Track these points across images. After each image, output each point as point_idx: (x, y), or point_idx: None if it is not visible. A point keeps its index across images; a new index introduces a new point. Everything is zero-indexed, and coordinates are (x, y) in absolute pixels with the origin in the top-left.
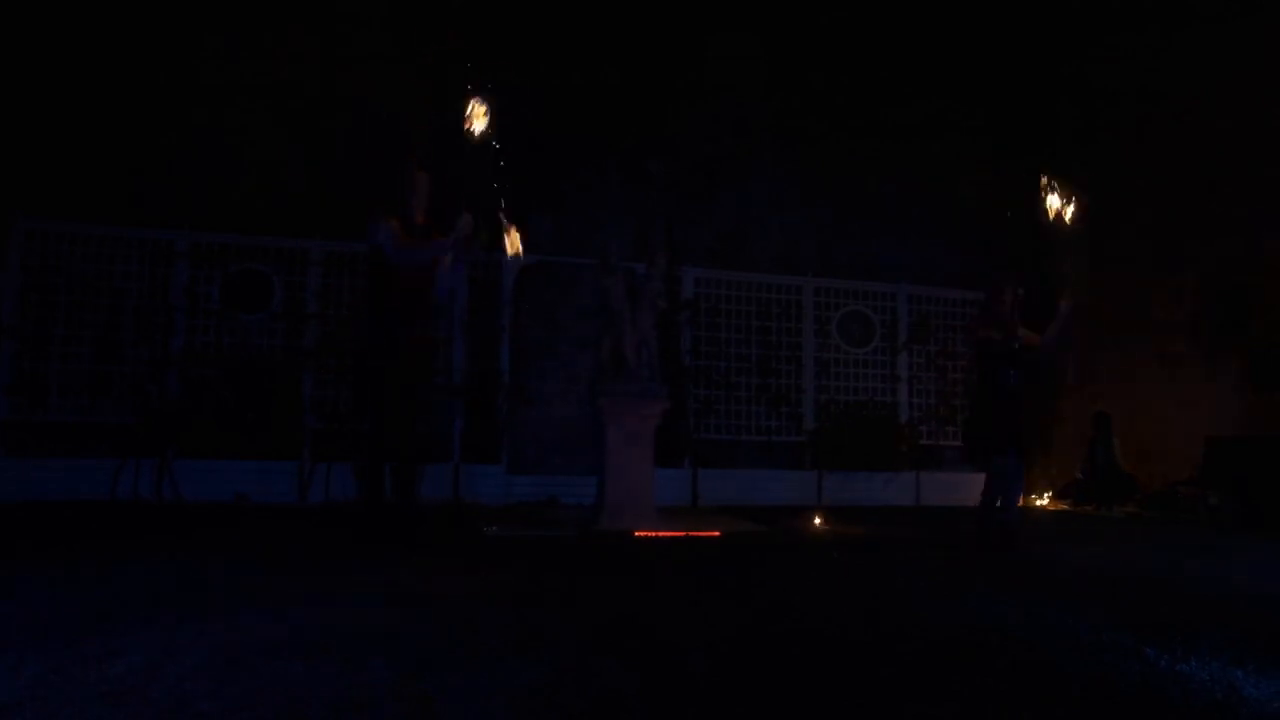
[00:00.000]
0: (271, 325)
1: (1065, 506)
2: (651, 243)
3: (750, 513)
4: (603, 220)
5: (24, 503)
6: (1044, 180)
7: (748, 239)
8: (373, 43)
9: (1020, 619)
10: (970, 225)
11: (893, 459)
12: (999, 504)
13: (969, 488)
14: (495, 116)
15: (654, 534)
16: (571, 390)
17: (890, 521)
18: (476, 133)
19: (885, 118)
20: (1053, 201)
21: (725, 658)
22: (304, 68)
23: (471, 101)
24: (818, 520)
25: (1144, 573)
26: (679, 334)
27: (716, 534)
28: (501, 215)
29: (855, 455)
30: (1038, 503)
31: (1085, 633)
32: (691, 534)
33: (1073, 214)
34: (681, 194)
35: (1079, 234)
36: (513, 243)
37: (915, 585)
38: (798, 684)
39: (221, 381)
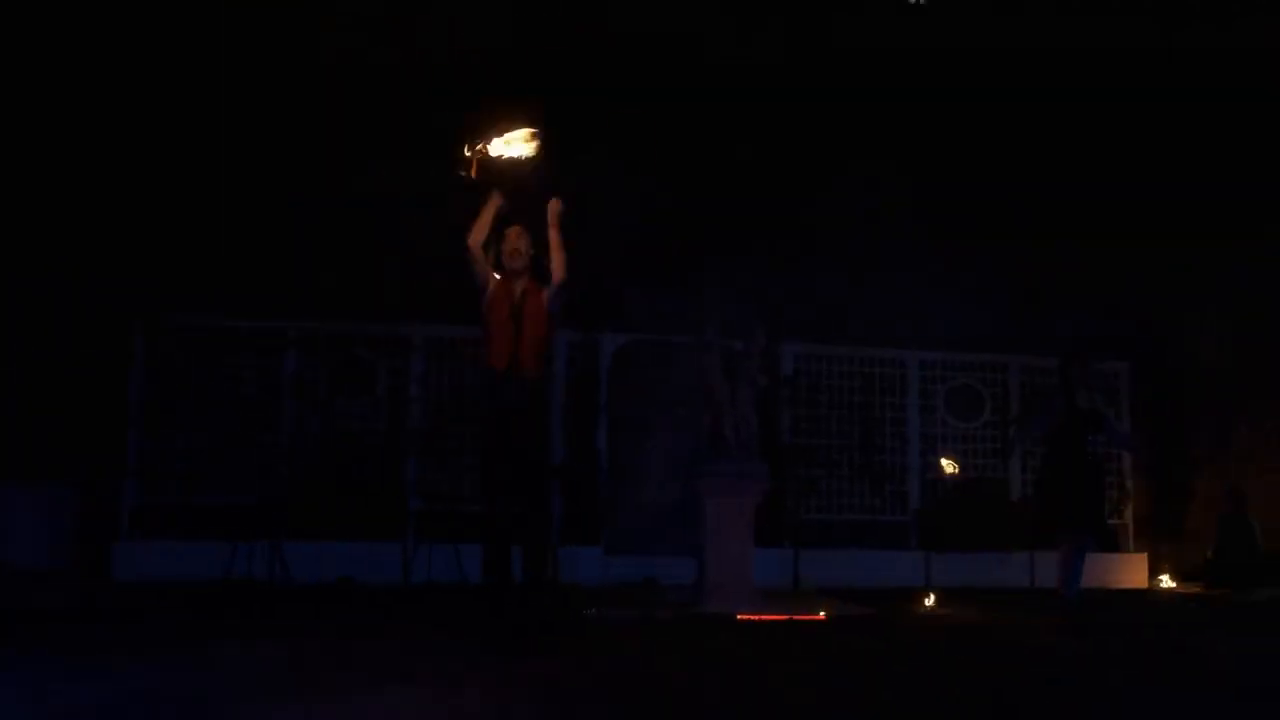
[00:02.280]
0: (375, 410)
1: (1197, 590)
2: (750, 320)
3: (854, 595)
4: (700, 294)
5: (149, 583)
6: None
7: (848, 312)
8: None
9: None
10: (1088, 292)
11: (1005, 538)
12: (1060, 582)
13: (1091, 569)
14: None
15: (756, 617)
16: (670, 469)
17: (1004, 605)
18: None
19: (997, 182)
20: None
21: None
22: (394, 159)
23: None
24: (927, 602)
25: None
26: (778, 411)
27: (821, 617)
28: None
29: (964, 535)
30: (1163, 584)
31: None
32: (795, 617)
33: None
34: (781, 266)
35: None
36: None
37: (1039, 676)
38: None
39: (329, 466)
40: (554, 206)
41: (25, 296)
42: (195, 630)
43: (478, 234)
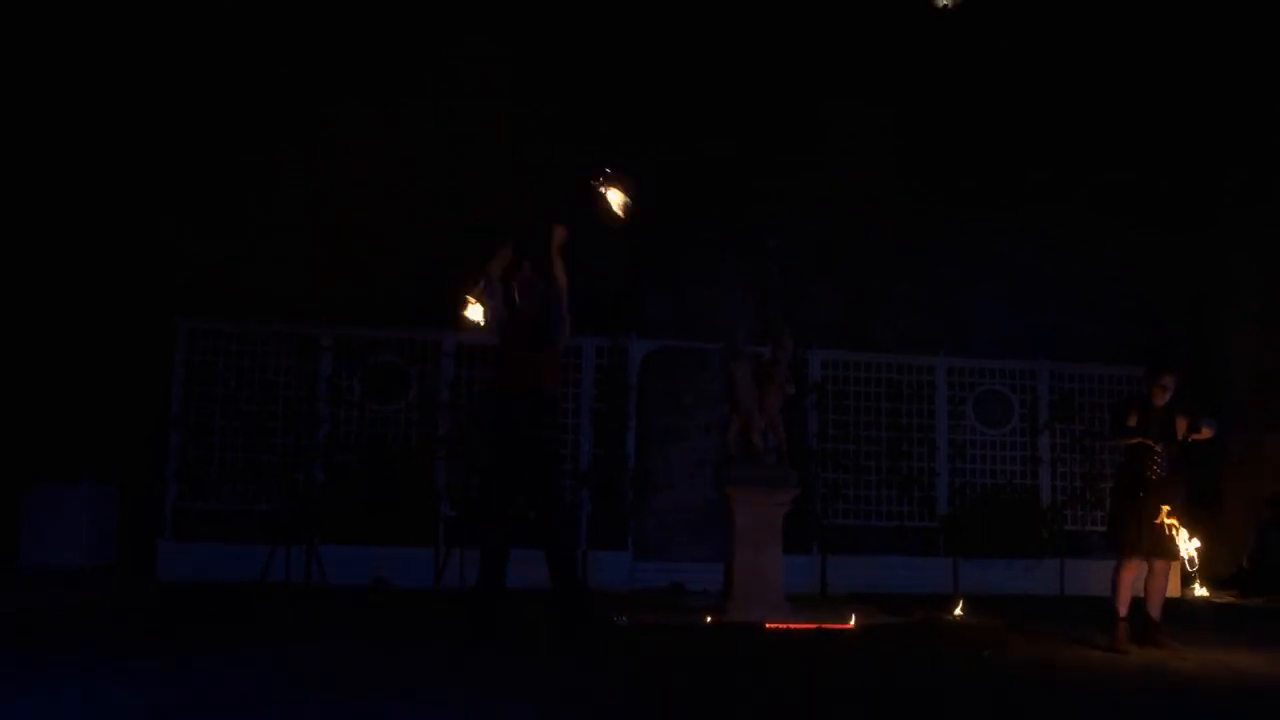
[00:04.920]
0: (408, 415)
1: (1230, 598)
2: (777, 325)
3: (882, 602)
4: (726, 301)
5: (192, 582)
6: None
7: (876, 316)
8: (499, 130)
9: None
10: (1119, 294)
11: (1034, 546)
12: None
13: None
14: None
15: (785, 626)
16: (697, 475)
17: (1033, 614)
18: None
19: (1020, 180)
20: None
21: None
22: (428, 165)
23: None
24: (956, 612)
25: None
26: (805, 417)
27: (850, 626)
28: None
29: (993, 542)
30: (1197, 593)
31: None
32: (824, 626)
33: None
34: (805, 270)
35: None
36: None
37: (1066, 690)
38: None
39: (362, 470)
40: (559, 235)
41: (70, 300)
42: (235, 631)
43: (492, 268)
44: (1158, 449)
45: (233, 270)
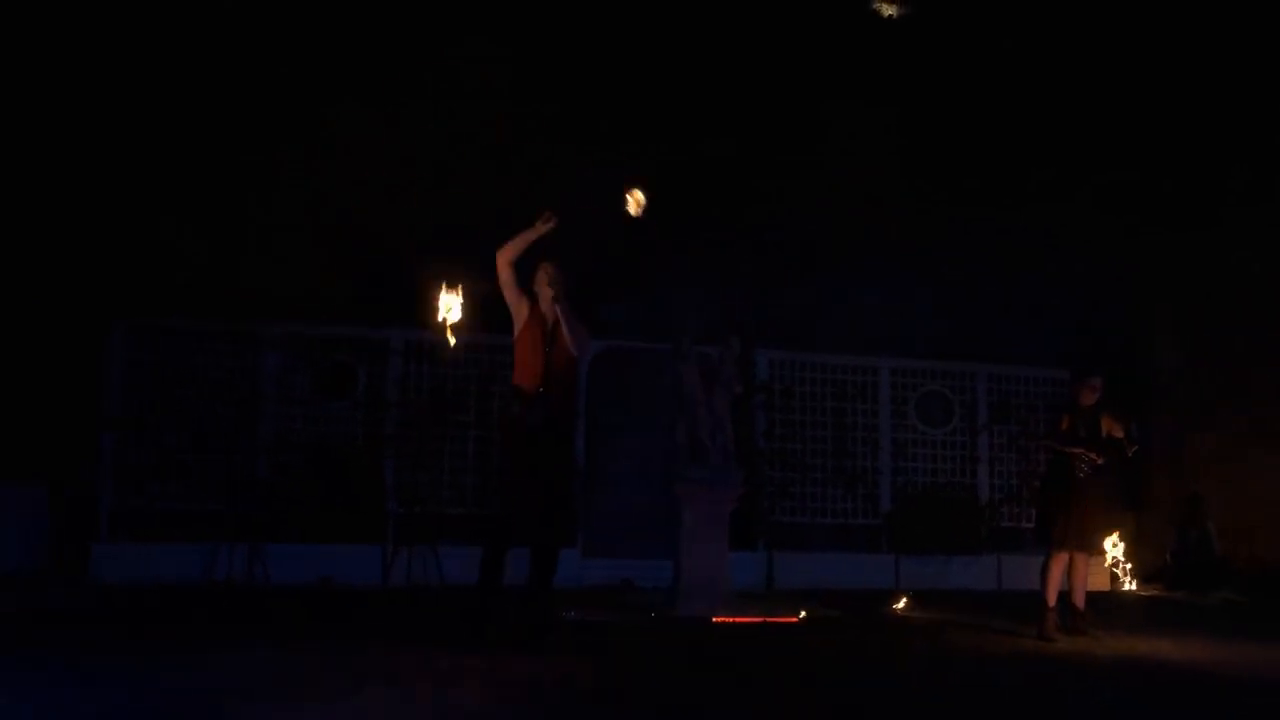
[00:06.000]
0: (354, 414)
1: (1155, 592)
2: (725, 327)
3: (827, 597)
4: (675, 301)
5: (130, 585)
6: None
7: (823, 318)
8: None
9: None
10: (1060, 301)
11: (973, 542)
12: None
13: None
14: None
15: (732, 620)
16: (646, 473)
17: (971, 608)
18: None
19: (966, 189)
20: None
21: None
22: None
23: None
24: (898, 606)
25: (1238, 668)
26: (753, 416)
27: (795, 620)
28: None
29: (933, 538)
30: (1125, 587)
31: None
32: (770, 620)
33: None
34: (755, 273)
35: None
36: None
37: (999, 677)
38: None
39: (308, 469)
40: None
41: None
42: (181, 633)
43: (511, 253)
44: (1088, 453)
45: (174, 266)
